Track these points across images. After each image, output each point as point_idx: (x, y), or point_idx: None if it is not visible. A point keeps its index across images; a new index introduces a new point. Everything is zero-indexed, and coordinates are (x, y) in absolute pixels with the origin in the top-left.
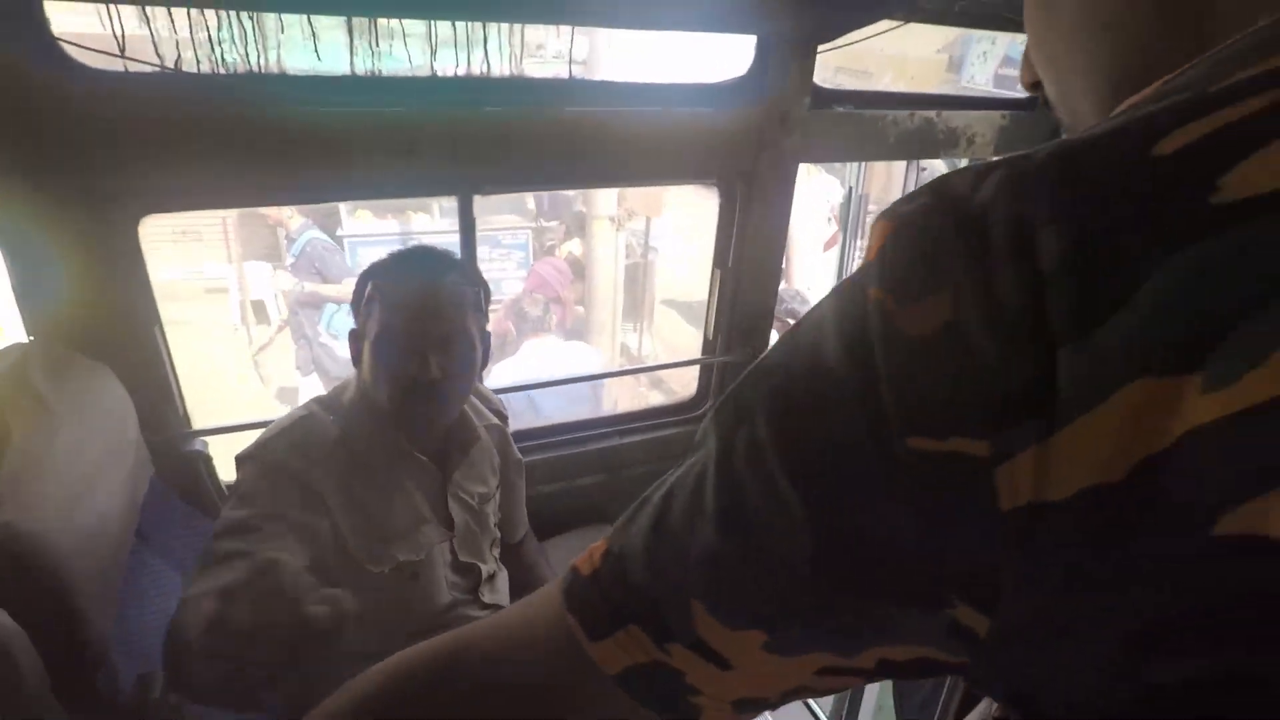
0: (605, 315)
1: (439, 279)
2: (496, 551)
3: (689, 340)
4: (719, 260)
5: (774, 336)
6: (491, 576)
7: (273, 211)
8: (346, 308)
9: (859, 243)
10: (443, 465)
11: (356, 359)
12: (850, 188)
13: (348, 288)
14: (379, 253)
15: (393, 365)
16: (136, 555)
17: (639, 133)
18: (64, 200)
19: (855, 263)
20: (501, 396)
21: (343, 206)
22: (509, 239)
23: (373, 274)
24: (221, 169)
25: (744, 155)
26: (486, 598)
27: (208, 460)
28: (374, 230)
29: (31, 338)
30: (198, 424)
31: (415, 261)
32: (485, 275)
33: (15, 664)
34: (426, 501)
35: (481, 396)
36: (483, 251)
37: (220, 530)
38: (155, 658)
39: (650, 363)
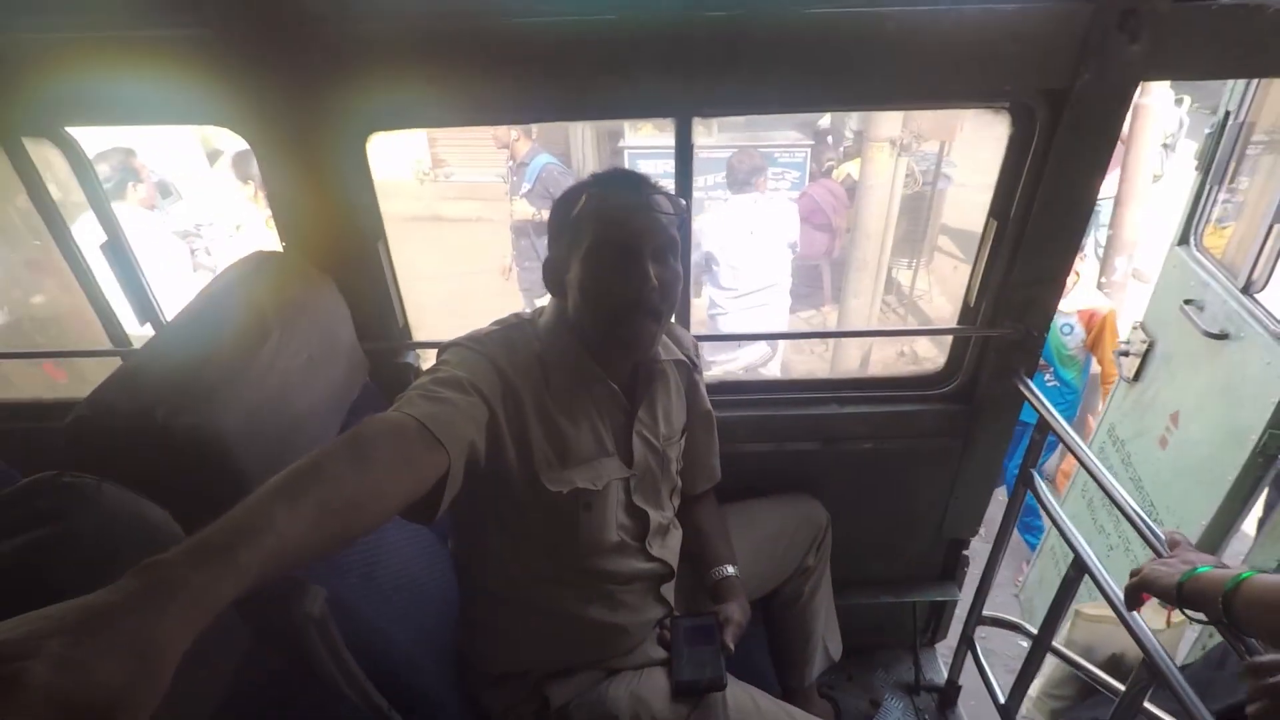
0: (871, 250)
1: (649, 194)
2: (676, 502)
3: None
4: (998, 209)
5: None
6: (663, 529)
7: (499, 135)
8: None
9: (1224, 187)
10: (631, 398)
11: (556, 283)
12: (1228, 112)
13: None
14: (658, 165)
15: (612, 279)
16: None
17: (902, 38)
18: (302, 116)
19: (1212, 212)
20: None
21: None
22: (785, 157)
23: (579, 194)
24: (441, 88)
25: (1057, 69)
26: (654, 550)
27: (418, 370)
28: (655, 143)
29: (284, 245)
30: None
31: (622, 180)
32: None
33: None
34: (610, 434)
35: (674, 336)
36: None
37: (422, 381)
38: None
39: (921, 305)
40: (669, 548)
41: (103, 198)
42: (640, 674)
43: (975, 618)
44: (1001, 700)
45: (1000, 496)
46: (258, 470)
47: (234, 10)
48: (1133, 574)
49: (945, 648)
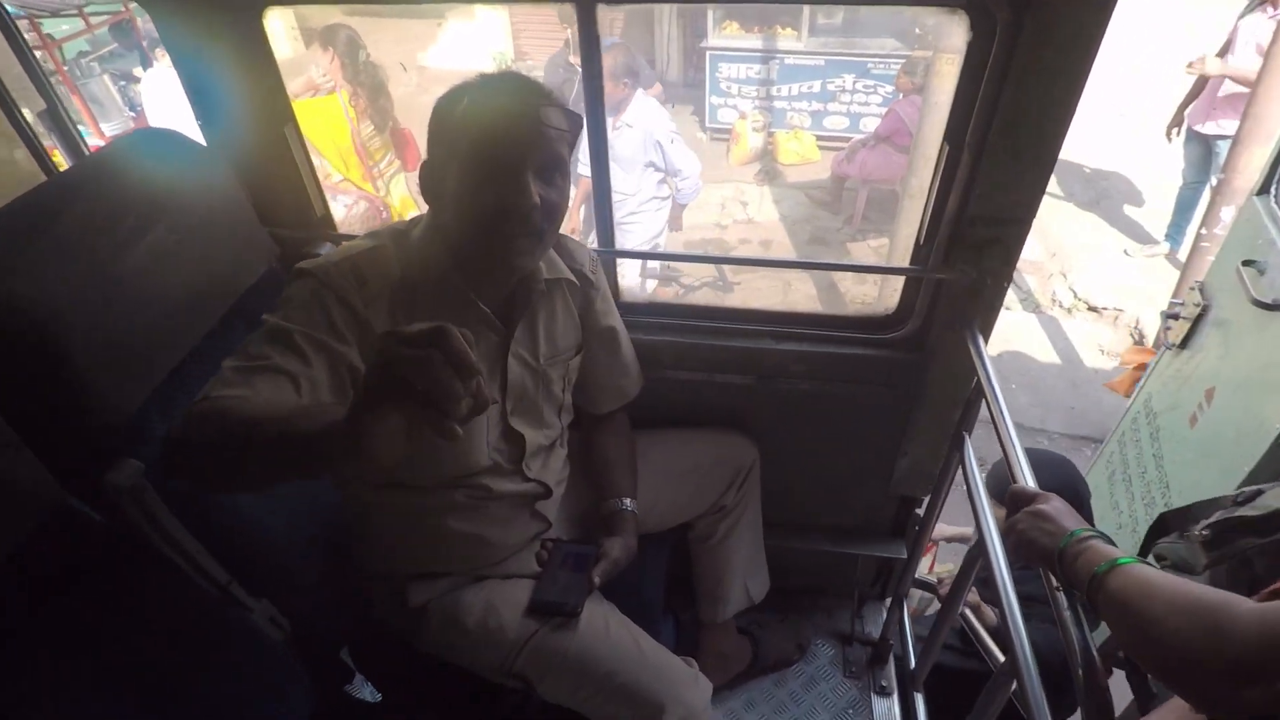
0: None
1: (539, 105)
2: (565, 419)
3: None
4: (952, 132)
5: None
6: (543, 450)
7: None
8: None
9: None
10: (506, 321)
11: (432, 192)
12: None
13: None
14: (740, 69)
15: (490, 193)
16: (225, 326)
17: None
18: None
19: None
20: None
21: (711, 17)
22: (878, 68)
23: (461, 95)
24: None
25: None
26: (532, 471)
27: None
28: (741, 44)
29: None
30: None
31: (510, 85)
32: (845, 110)
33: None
34: (484, 358)
35: (565, 249)
36: (845, 81)
37: (256, 335)
38: None
39: None
40: (550, 469)
41: None
42: (504, 584)
43: (908, 578)
44: (912, 666)
45: None
46: (83, 344)
47: None
48: (1006, 530)
49: None
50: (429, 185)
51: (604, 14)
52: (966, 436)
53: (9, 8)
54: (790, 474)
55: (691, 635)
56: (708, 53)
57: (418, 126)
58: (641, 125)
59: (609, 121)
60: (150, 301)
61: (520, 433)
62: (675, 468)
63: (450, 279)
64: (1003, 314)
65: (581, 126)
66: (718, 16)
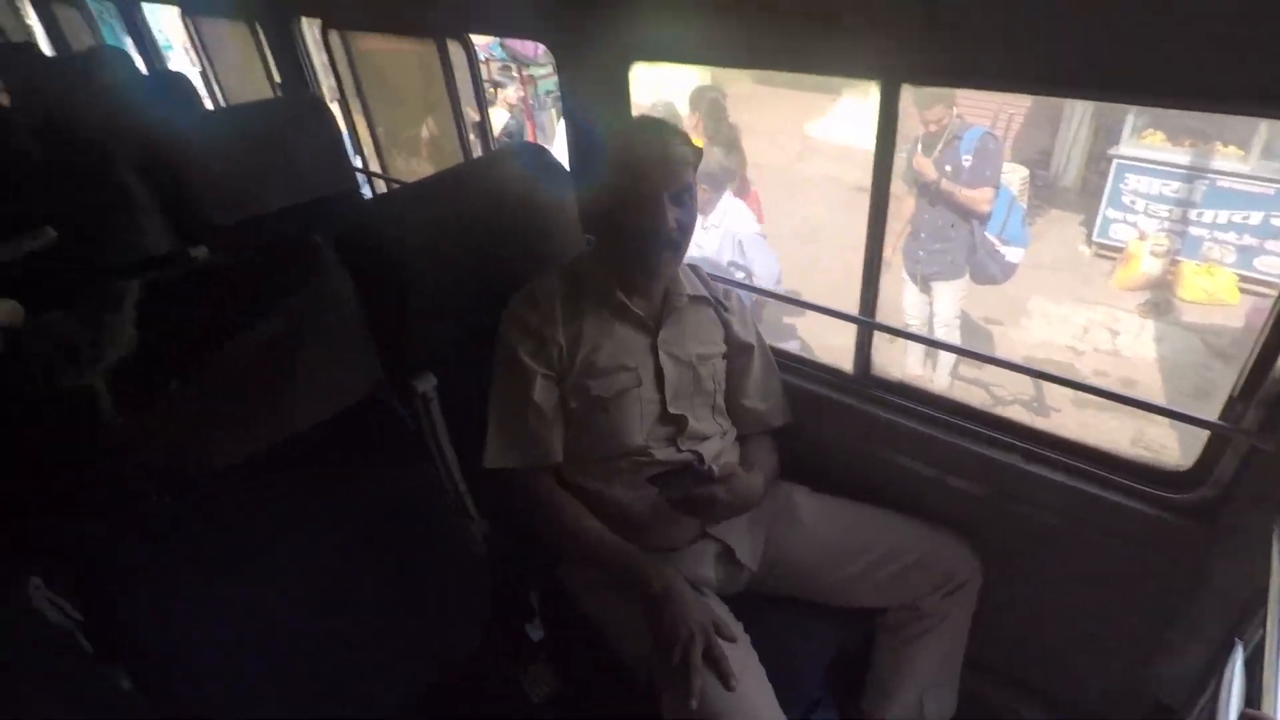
0: None
1: (668, 142)
2: (721, 421)
3: None
4: None
5: None
6: (701, 436)
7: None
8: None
9: None
10: (655, 323)
11: (589, 224)
12: None
13: (983, 196)
14: (1153, 184)
15: (637, 222)
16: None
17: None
18: (583, 37)
19: None
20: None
21: (1130, 123)
22: None
23: (609, 142)
24: (695, 26)
25: None
26: (683, 444)
27: None
28: (1160, 156)
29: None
30: None
31: (649, 128)
32: None
33: None
34: (637, 352)
35: (701, 277)
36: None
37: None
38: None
39: None
40: (707, 451)
41: None
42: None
43: None
44: None
45: None
46: (420, 288)
47: None
48: None
49: None
50: (586, 219)
51: (998, 103)
52: (1238, 646)
53: (496, 50)
54: (1014, 614)
55: None
56: (1115, 160)
57: (773, 190)
58: (725, 226)
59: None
60: (474, 270)
61: (681, 414)
62: (875, 546)
63: (608, 289)
64: None
65: (701, 157)
66: (1140, 123)
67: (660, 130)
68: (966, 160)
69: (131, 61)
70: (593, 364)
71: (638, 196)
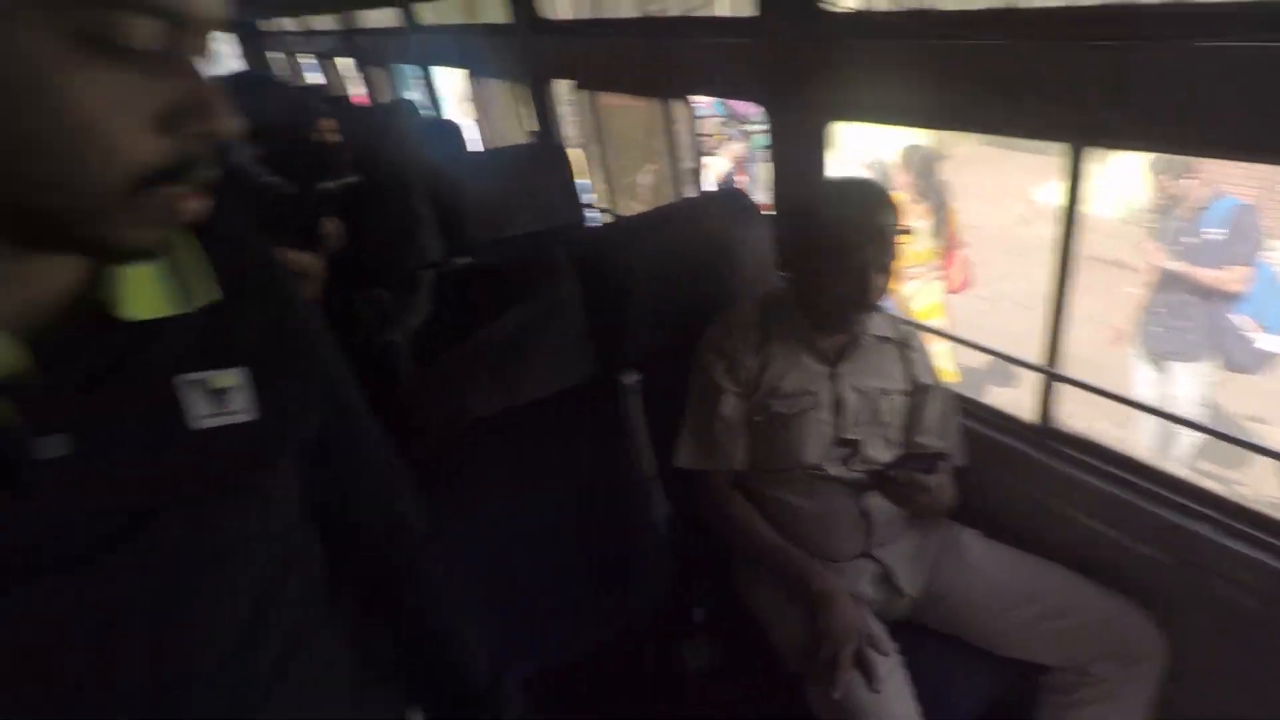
0: None
1: (878, 209)
2: (897, 454)
3: None
4: None
5: None
6: (874, 462)
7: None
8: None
9: None
10: (836, 357)
11: (787, 264)
12: None
13: (1232, 276)
14: None
15: (841, 282)
16: None
17: None
18: (780, 105)
19: None
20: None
21: None
22: None
23: (821, 203)
24: (883, 91)
25: None
26: (855, 466)
27: None
28: None
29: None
30: None
31: (862, 195)
32: None
33: None
34: (818, 381)
35: (888, 317)
36: None
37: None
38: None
39: None
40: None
41: None
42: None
43: None
44: None
45: None
46: (637, 299)
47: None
48: None
49: None
50: (785, 261)
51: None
52: None
53: (719, 108)
54: (1202, 707)
55: None
56: None
57: (992, 253)
58: None
59: None
60: (678, 289)
61: (856, 439)
62: (1045, 598)
63: (800, 326)
64: None
65: (902, 219)
66: None
67: (872, 197)
68: (1210, 235)
69: (417, 110)
70: (777, 388)
71: (847, 267)
